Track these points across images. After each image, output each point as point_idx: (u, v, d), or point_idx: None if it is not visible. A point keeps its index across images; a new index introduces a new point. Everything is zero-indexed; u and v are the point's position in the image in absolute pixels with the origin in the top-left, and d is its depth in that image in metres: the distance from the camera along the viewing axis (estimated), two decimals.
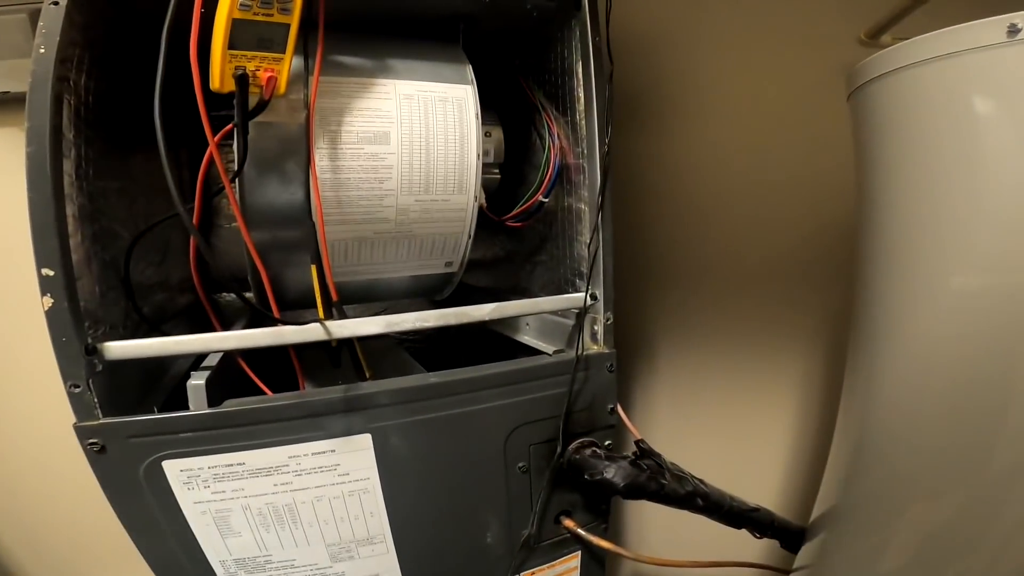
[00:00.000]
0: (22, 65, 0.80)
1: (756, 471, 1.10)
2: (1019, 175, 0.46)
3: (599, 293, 0.63)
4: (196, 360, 0.72)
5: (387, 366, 0.76)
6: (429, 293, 0.73)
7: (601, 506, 0.70)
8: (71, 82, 0.46)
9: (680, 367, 1.03)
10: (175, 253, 0.71)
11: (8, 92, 0.81)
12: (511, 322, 0.79)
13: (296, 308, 0.66)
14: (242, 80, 0.47)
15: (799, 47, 0.96)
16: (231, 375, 0.58)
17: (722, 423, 1.06)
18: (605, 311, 0.64)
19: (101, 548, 0.94)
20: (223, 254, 0.80)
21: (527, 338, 0.76)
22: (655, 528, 1.11)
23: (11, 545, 0.95)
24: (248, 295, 0.85)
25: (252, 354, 0.57)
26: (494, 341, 0.84)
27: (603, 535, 0.69)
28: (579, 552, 0.72)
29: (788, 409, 1.06)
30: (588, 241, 0.63)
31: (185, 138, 0.69)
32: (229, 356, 0.58)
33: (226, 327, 0.69)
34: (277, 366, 0.63)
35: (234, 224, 0.84)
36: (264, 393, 0.55)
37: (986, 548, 0.51)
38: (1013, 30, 0.44)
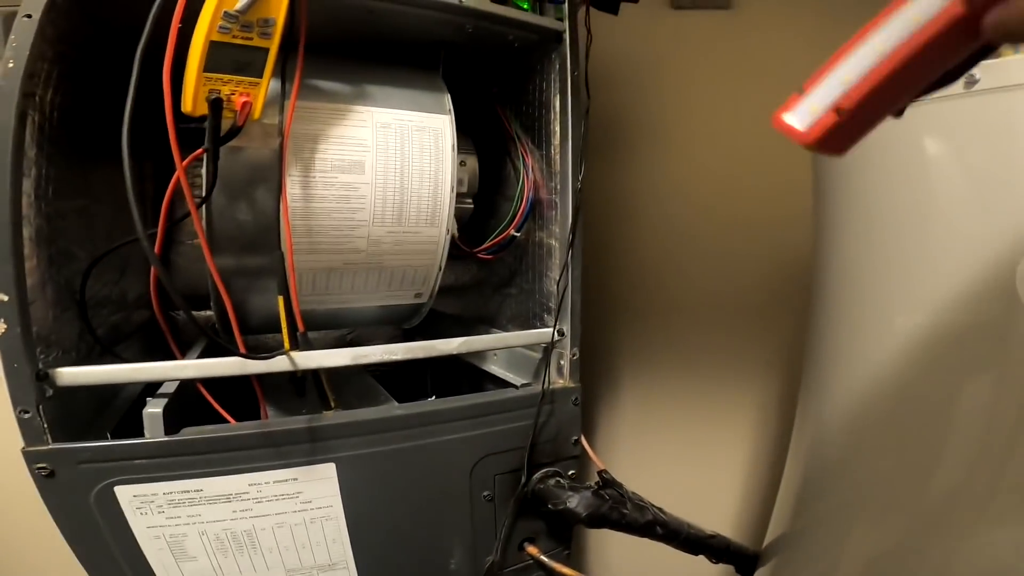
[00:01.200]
0: None
1: (714, 497, 1.12)
2: (966, 224, 0.49)
3: (566, 329, 0.64)
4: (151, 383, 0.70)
5: (352, 391, 0.75)
6: (398, 321, 0.73)
7: (564, 533, 0.71)
8: (37, 98, 0.45)
9: (642, 395, 1.05)
10: (133, 270, 0.69)
11: None
12: (479, 352, 0.79)
13: (258, 333, 0.65)
14: (216, 104, 0.46)
15: (771, 86, 0.99)
16: (189, 398, 0.57)
17: (682, 450, 1.08)
18: (572, 347, 0.65)
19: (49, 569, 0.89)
20: (183, 271, 0.78)
21: (495, 368, 0.77)
22: (616, 554, 1.12)
23: None
24: (207, 314, 0.84)
25: (213, 380, 0.56)
26: (461, 368, 0.84)
27: (565, 561, 0.70)
28: None
29: (744, 437, 1.09)
30: (557, 277, 0.64)
31: (150, 150, 0.67)
32: (184, 382, 0.56)
33: (183, 348, 0.68)
34: (237, 390, 0.62)
35: (196, 241, 0.82)
36: (226, 421, 0.54)
37: (926, 572, 0.53)
38: (971, 81, 0.47)
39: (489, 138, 0.76)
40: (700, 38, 1.01)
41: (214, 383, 0.57)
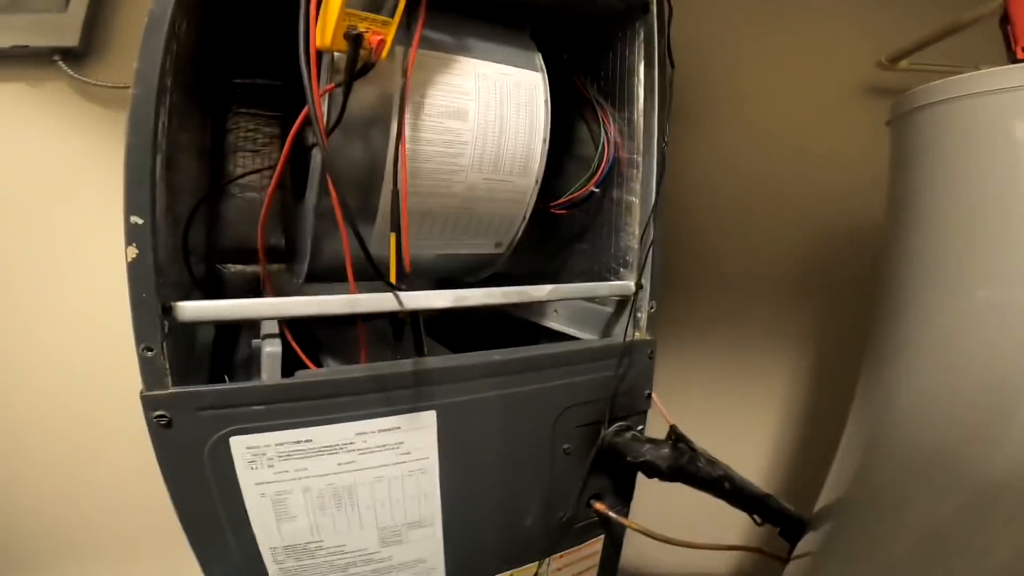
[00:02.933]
0: (46, 20, 0.72)
1: (744, 461, 1.17)
2: None
3: (647, 282, 0.66)
4: (221, 332, 0.67)
5: (407, 346, 0.75)
6: (467, 273, 0.73)
7: (628, 490, 0.72)
8: (177, 26, 0.42)
9: (679, 357, 1.08)
10: (196, 222, 0.65)
11: (27, 46, 0.73)
12: (538, 307, 0.79)
13: (324, 280, 0.63)
14: (356, 40, 0.45)
15: (819, 65, 1.03)
16: None
17: (713, 415, 1.11)
18: (650, 300, 0.66)
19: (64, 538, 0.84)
20: (233, 224, 0.75)
21: (554, 324, 0.77)
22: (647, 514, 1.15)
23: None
24: (252, 269, 0.81)
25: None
26: (508, 325, 0.84)
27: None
28: (602, 536, 0.74)
29: (775, 404, 1.14)
30: (637, 232, 0.66)
31: (209, 106, 0.65)
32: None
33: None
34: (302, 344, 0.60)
35: (249, 194, 0.79)
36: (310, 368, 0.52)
37: (978, 544, 0.55)
38: None
39: (554, 102, 0.76)
40: (760, 15, 1.03)
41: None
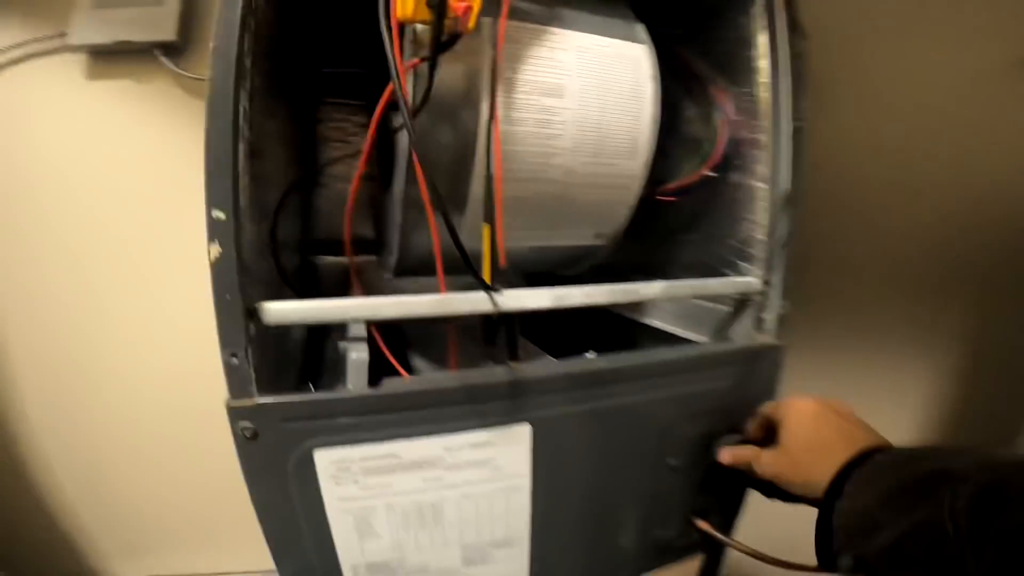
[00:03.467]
0: (142, 14, 0.74)
1: None
2: None
3: (776, 279, 0.56)
4: (312, 333, 0.65)
5: (498, 348, 0.70)
6: (563, 266, 0.67)
7: (735, 508, 0.64)
8: (254, 2, 0.38)
9: (803, 356, 0.96)
10: (287, 212, 0.64)
11: (128, 41, 0.74)
12: (641, 303, 0.72)
13: (414, 274, 0.59)
14: (440, 8, 0.39)
15: (968, 39, 0.88)
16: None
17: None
18: (781, 299, 0.57)
19: (174, 527, 0.88)
20: (326, 215, 0.73)
21: (660, 322, 0.70)
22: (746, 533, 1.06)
23: (86, 520, 0.89)
24: (342, 260, 0.79)
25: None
26: (606, 321, 0.77)
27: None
28: (701, 556, 0.67)
29: (913, 411, 1.01)
30: (763, 221, 0.56)
31: (298, 95, 0.62)
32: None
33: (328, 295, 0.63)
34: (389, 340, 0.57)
35: (339, 184, 0.77)
36: (400, 375, 0.48)
37: None
38: None
39: (671, 77, 0.68)
40: None
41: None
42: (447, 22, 0.41)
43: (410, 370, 0.61)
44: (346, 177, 0.79)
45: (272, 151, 0.50)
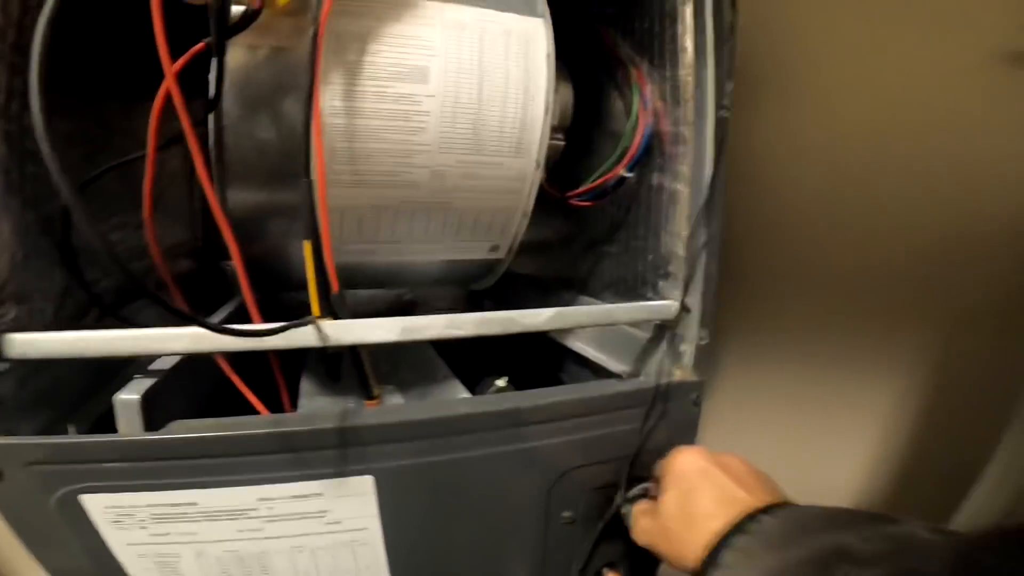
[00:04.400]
0: None
1: (833, 487, 0.95)
2: None
3: (695, 304, 0.47)
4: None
5: (405, 363, 0.62)
6: (466, 281, 0.58)
7: (651, 557, 0.56)
8: None
9: (747, 382, 0.86)
10: (172, 213, 0.57)
11: None
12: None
13: (303, 290, 0.52)
14: None
15: (947, 30, 0.76)
16: (192, 380, 0.44)
17: (792, 449, 0.89)
18: (701, 328, 0.47)
19: None
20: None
21: (580, 345, 0.61)
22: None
23: None
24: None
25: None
26: (534, 339, 0.68)
27: None
28: None
29: (870, 438, 0.91)
30: (684, 233, 0.47)
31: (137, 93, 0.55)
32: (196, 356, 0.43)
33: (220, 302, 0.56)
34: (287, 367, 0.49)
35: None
36: (255, 411, 0.41)
37: None
38: None
39: (583, 64, 0.58)
40: None
41: (249, 359, 0.45)
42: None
43: (293, 400, 0.54)
44: None
45: (75, 150, 0.43)
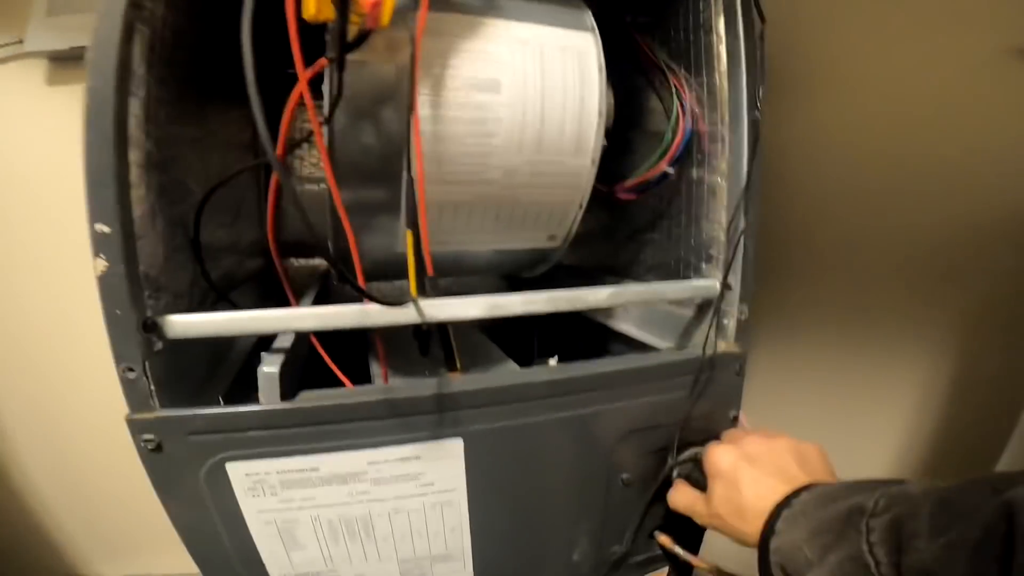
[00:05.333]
0: None
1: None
2: None
3: (735, 282, 0.53)
4: (264, 337, 0.64)
5: (466, 348, 0.68)
6: (519, 269, 0.64)
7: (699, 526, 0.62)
8: (146, 10, 0.37)
9: (780, 363, 0.92)
10: (247, 213, 0.62)
11: (84, 47, 0.73)
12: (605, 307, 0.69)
13: (368, 280, 0.57)
14: (343, 5, 0.37)
15: (959, 27, 0.82)
16: (299, 358, 0.50)
17: (822, 428, 0.95)
18: (740, 303, 0.53)
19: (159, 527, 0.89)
20: (291, 217, 0.72)
21: (624, 326, 0.67)
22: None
23: (67, 521, 0.90)
24: (315, 263, 0.78)
25: (323, 332, 0.48)
26: (577, 324, 0.74)
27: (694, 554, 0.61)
28: (666, 569, 0.64)
29: (899, 420, 0.96)
30: (723, 221, 0.53)
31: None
32: (300, 336, 0.49)
33: (297, 296, 0.62)
34: (346, 346, 0.55)
35: (309, 186, 0.76)
36: (343, 385, 0.46)
37: None
38: None
39: (620, 70, 0.64)
40: None
41: (325, 339, 0.51)
42: (353, 19, 0.38)
43: (367, 377, 0.59)
44: (314, 178, 0.78)
45: (192, 157, 0.48)
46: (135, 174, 0.36)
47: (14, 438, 0.86)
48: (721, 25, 0.52)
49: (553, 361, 0.62)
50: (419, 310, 0.43)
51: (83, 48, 0.72)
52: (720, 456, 0.48)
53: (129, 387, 0.37)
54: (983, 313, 0.95)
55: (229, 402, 0.42)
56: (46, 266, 0.81)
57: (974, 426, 1.00)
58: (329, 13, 0.37)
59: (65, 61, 0.77)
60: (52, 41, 0.74)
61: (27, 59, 0.77)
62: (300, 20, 0.36)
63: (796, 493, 0.42)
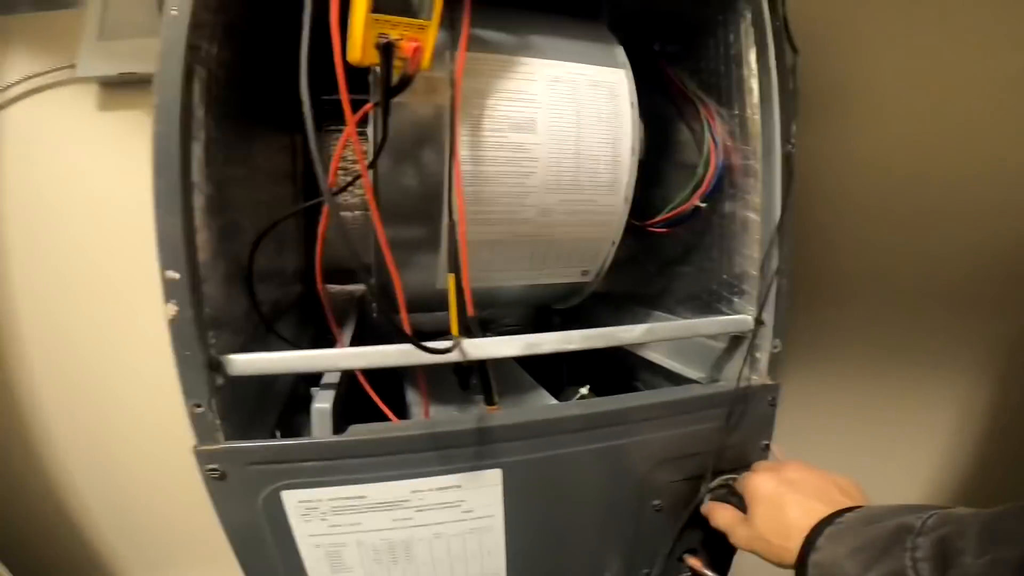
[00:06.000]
0: (146, 45, 0.76)
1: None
2: None
3: (768, 317, 0.54)
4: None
5: (502, 380, 0.69)
6: (553, 301, 0.66)
7: (727, 547, 0.62)
8: (203, 51, 0.39)
9: (810, 390, 0.92)
10: (289, 242, 0.65)
11: (133, 73, 0.77)
12: None
13: (409, 311, 0.59)
14: (387, 49, 0.39)
15: (985, 46, 0.81)
16: (345, 388, 0.52)
17: (853, 456, 0.94)
18: (774, 338, 0.54)
19: (196, 541, 0.92)
20: (332, 245, 0.75)
21: (656, 356, 0.68)
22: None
23: (108, 533, 0.94)
24: (350, 288, 0.80)
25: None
26: (606, 354, 0.75)
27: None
28: None
29: (935, 446, 0.94)
30: (756, 255, 0.54)
31: (295, 124, 0.63)
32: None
33: (338, 323, 0.64)
34: (384, 373, 0.57)
35: (344, 212, 0.79)
36: (388, 419, 0.49)
37: None
38: None
39: (650, 100, 0.65)
40: None
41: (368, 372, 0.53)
42: (397, 63, 0.41)
43: (403, 402, 0.62)
44: (349, 206, 0.81)
45: (244, 194, 0.51)
46: (199, 219, 0.39)
47: (60, 449, 0.90)
48: (752, 57, 0.53)
49: (584, 390, 0.64)
50: (462, 351, 0.45)
51: (133, 74, 0.77)
52: (762, 481, 0.49)
53: (197, 421, 0.40)
54: (1019, 338, 0.93)
55: (281, 431, 0.45)
56: (98, 290, 0.85)
57: (1010, 455, 0.98)
58: (373, 58, 0.39)
59: (116, 87, 0.80)
60: (103, 67, 0.77)
61: (79, 84, 0.80)
62: (345, 63, 0.38)
63: (840, 513, 0.43)
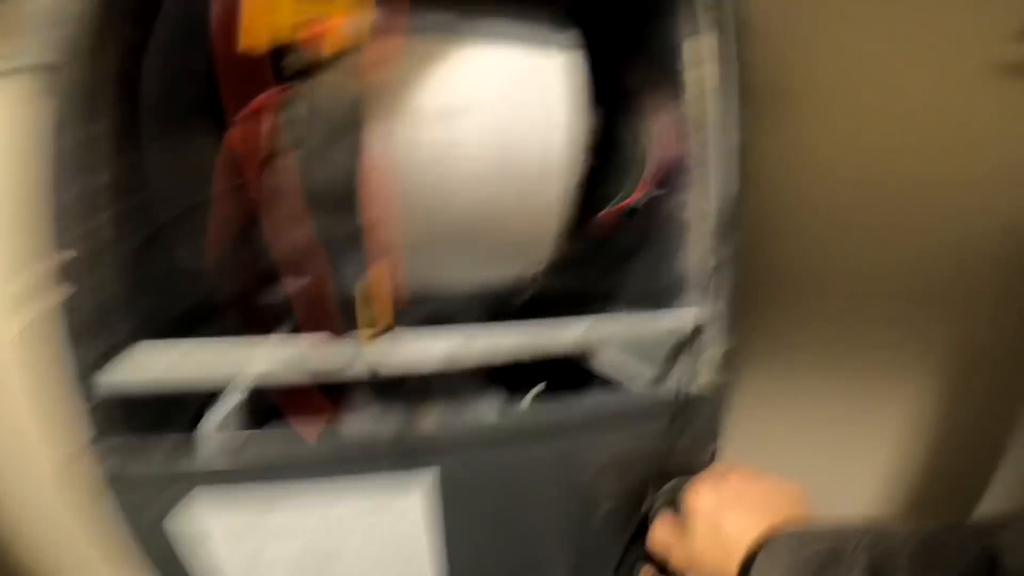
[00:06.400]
0: None
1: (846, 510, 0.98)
2: None
3: (717, 312, 0.51)
4: None
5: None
6: (495, 302, 0.62)
7: None
8: (115, 28, 0.36)
9: (763, 389, 0.89)
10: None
11: None
12: None
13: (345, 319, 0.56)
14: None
15: (939, 41, 0.79)
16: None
17: (808, 457, 0.92)
18: (724, 333, 0.51)
19: None
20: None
21: (609, 352, 0.64)
22: None
23: None
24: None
25: None
26: None
27: None
28: None
29: (890, 446, 0.94)
30: (705, 249, 0.51)
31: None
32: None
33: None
34: None
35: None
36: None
37: None
38: None
39: (597, 93, 0.62)
40: None
41: None
42: (302, 50, 0.37)
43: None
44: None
45: (163, 182, 0.47)
46: (103, 198, 0.35)
47: None
48: (699, 46, 0.50)
49: (536, 389, 0.60)
50: (367, 362, 0.42)
51: None
52: (701, 496, 0.47)
53: (74, 427, 0.37)
54: (974, 344, 0.92)
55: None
56: None
57: (961, 462, 0.98)
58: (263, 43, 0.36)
59: None
60: None
61: None
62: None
63: (775, 534, 0.41)
